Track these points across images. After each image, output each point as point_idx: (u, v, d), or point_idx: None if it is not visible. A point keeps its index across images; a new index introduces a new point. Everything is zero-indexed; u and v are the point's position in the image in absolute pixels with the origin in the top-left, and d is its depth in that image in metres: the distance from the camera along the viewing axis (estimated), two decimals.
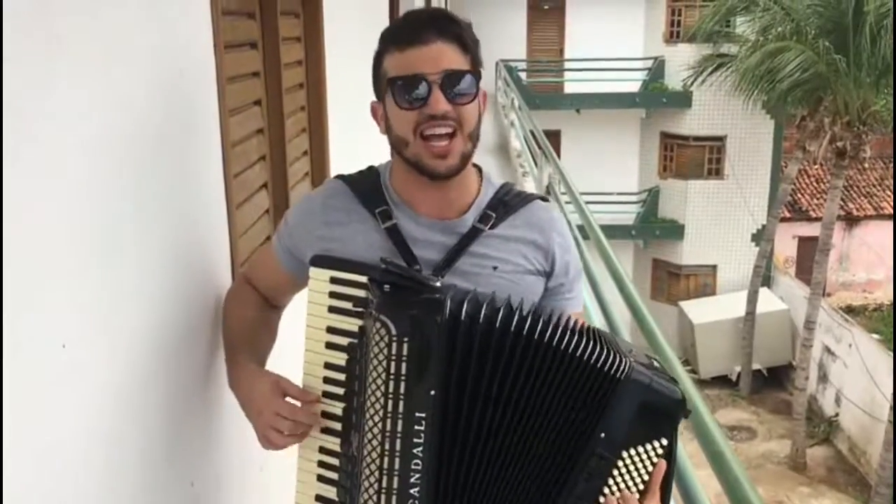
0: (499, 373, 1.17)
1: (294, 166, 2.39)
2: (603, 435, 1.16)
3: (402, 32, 1.25)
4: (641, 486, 1.18)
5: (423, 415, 1.16)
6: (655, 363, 1.23)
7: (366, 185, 1.35)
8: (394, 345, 1.15)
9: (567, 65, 18.12)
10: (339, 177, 1.39)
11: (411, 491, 1.17)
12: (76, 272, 1.00)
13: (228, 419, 1.33)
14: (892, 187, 18.26)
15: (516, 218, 1.35)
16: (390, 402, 1.16)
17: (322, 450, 1.28)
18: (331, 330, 1.26)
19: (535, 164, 7.16)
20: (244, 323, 1.44)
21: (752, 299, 15.01)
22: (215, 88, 1.58)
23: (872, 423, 12.75)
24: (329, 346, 1.27)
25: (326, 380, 1.27)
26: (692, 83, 15.46)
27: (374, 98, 1.34)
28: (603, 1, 17.41)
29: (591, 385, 1.17)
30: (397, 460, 1.17)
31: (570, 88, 17.83)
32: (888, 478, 11.22)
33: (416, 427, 1.16)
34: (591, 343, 1.19)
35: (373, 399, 1.17)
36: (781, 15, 13.27)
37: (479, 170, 1.39)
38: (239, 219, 1.75)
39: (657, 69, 17.16)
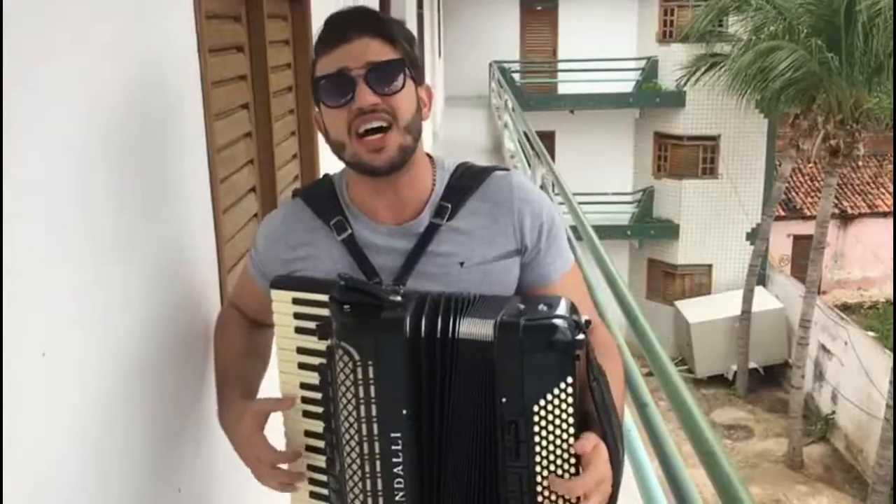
0: (461, 382, 1.13)
1: (283, 170, 2.38)
2: (504, 400, 1.09)
3: (326, 35, 1.23)
4: (573, 431, 1.09)
5: (398, 434, 1.14)
6: (543, 307, 1.11)
7: (321, 198, 1.32)
8: (359, 369, 1.13)
9: (560, 65, 18.16)
10: (296, 193, 1.37)
11: None
12: (58, 279, 0.99)
13: (216, 425, 1.32)
14: (885, 185, 18.31)
15: (474, 199, 1.28)
16: (364, 426, 1.15)
17: (310, 467, 1.28)
18: (301, 350, 1.25)
19: (529, 165, 7.15)
20: (234, 353, 1.41)
21: (748, 298, 15.03)
22: (200, 92, 1.57)
23: (869, 420, 12.77)
24: (302, 366, 1.25)
25: (304, 399, 1.26)
26: (685, 83, 15.50)
27: None
28: (596, 1, 17.47)
29: (473, 360, 1.11)
30: (379, 481, 1.16)
31: (563, 89, 17.87)
32: (885, 475, 11.23)
33: (394, 447, 1.15)
34: (469, 321, 1.12)
35: (346, 424, 1.16)
36: (774, 14, 13.30)
37: (432, 160, 1.32)
38: (226, 223, 1.74)
39: (650, 69, 17.18)
